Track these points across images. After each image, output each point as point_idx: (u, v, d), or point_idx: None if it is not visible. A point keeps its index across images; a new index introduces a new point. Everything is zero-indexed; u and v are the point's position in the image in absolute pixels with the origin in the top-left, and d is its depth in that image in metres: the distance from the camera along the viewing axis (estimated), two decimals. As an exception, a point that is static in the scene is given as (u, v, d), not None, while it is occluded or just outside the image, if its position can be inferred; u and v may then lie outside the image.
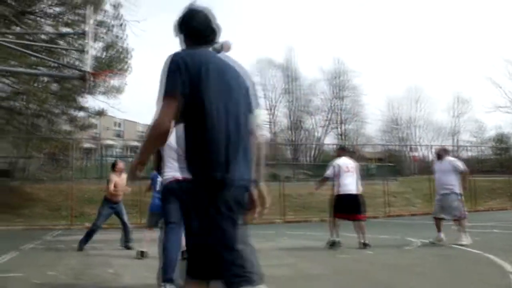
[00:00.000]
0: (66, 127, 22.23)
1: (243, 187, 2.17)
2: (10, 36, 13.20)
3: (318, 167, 40.79)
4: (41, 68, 17.23)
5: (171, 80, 2.11)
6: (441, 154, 8.59)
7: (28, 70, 15.83)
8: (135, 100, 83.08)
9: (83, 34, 9.51)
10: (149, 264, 5.82)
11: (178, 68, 2.11)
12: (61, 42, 17.74)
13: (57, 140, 19.34)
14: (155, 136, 2.12)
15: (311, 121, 53.22)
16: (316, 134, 53.37)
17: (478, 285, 4.41)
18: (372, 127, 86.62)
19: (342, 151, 8.80)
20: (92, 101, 20.62)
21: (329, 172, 8.10)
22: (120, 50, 18.48)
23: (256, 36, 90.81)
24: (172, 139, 4.02)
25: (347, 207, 7.76)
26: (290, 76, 53.64)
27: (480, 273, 5.11)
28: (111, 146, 65.80)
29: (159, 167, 4.47)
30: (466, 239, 7.58)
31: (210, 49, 2.36)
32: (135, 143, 62.84)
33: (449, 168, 8.14)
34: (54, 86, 18.81)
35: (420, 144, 51.55)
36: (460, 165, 8.20)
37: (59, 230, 14.12)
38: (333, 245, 7.72)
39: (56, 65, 17.05)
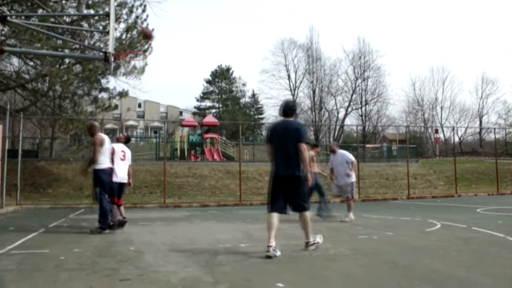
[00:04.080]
0: (88, 108, 22.58)
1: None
2: (35, 19, 13.34)
3: (340, 148, 40.51)
4: (64, 50, 17.43)
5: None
6: (333, 149, 10.53)
7: (53, 52, 16.03)
8: (156, 81, 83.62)
9: (106, 16, 9.54)
10: (171, 242, 5.91)
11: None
12: (83, 24, 17.87)
13: (80, 121, 19.63)
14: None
15: (333, 102, 52.66)
16: (338, 115, 52.86)
17: (500, 269, 4.36)
18: (395, 107, 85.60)
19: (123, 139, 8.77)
20: (114, 82, 20.94)
21: None
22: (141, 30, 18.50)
23: (279, 16, 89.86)
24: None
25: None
26: (312, 56, 53.02)
27: (503, 256, 5.05)
28: (133, 126, 66.64)
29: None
30: (349, 218, 9.67)
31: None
32: (156, 124, 63.50)
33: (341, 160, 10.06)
34: (76, 68, 19.03)
35: (445, 125, 50.68)
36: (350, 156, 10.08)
37: (82, 209, 14.45)
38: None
39: (79, 46, 17.22)
